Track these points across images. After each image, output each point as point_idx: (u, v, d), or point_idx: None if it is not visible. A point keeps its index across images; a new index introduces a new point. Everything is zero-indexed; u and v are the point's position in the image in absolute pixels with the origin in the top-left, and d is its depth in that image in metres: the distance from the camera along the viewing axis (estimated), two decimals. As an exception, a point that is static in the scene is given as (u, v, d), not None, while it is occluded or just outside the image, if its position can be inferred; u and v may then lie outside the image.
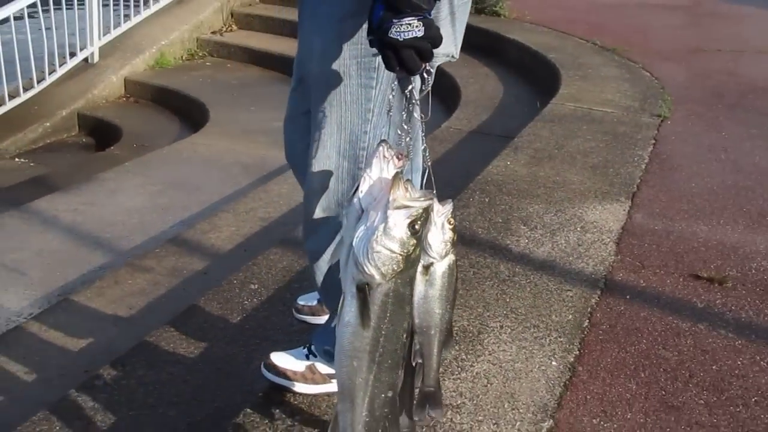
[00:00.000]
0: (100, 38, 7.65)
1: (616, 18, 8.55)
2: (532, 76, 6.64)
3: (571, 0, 9.45)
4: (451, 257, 1.59)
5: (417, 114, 1.62)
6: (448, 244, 1.56)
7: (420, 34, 1.46)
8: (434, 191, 1.52)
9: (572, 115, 4.85)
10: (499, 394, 2.05)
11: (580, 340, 2.35)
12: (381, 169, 1.50)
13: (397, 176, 1.46)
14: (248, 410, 2.00)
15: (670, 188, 3.76)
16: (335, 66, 1.72)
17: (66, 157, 6.57)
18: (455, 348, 2.21)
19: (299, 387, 2.00)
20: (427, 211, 1.47)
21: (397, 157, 1.50)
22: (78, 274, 3.87)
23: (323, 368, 1.99)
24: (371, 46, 1.54)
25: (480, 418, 1.96)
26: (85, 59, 7.56)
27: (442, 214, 1.55)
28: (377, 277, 1.44)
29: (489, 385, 2.09)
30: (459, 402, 2.01)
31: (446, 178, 3.32)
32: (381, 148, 1.52)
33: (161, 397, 2.34)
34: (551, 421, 1.97)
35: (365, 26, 1.59)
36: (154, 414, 2.26)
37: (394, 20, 1.45)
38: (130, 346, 2.73)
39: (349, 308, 1.49)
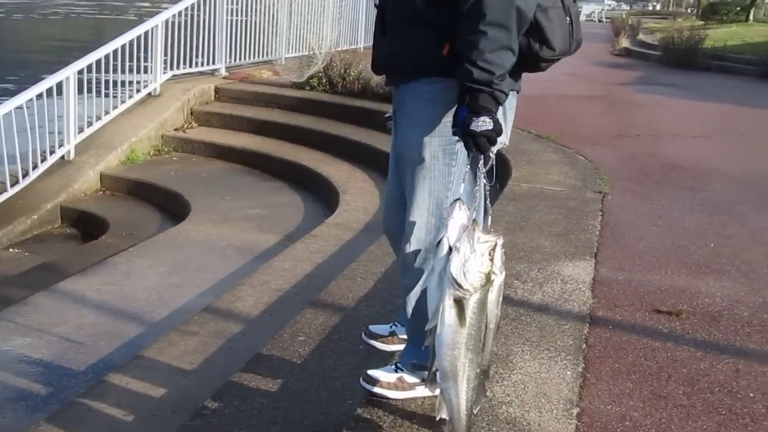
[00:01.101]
0: (75, 137, 8.24)
1: (542, 109, 9.49)
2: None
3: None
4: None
5: (483, 179, 2.35)
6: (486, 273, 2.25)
7: (490, 127, 2.22)
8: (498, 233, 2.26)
9: (529, 194, 5.67)
10: (536, 394, 2.75)
11: (583, 357, 3.08)
12: (460, 218, 2.23)
13: (474, 222, 2.20)
14: (358, 411, 2.64)
15: (623, 248, 4.58)
16: (427, 151, 2.46)
17: (56, 247, 7.07)
18: (494, 365, 2.90)
19: (393, 394, 2.65)
20: (497, 245, 2.22)
21: (467, 210, 2.25)
22: (121, 342, 4.45)
23: (410, 378, 2.66)
24: (455, 135, 2.30)
25: (527, 409, 2.65)
26: (62, 156, 8.13)
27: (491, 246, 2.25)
28: (471, 290, 2.16)
29: (526, 388, 2.79)
30: (508, 399, 2.70)
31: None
32: (459, 203, 2.26)
33: (261, 420, 2.95)
34: (578, 408, 2.68)
35: (448, 123, 2.35)
36: (261, 432, 2.87)
37: (474, 118, 2.21)
38: (201, 392, 3.35)
39: (449, 314, 2.20)
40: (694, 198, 5.91)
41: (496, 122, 2.24)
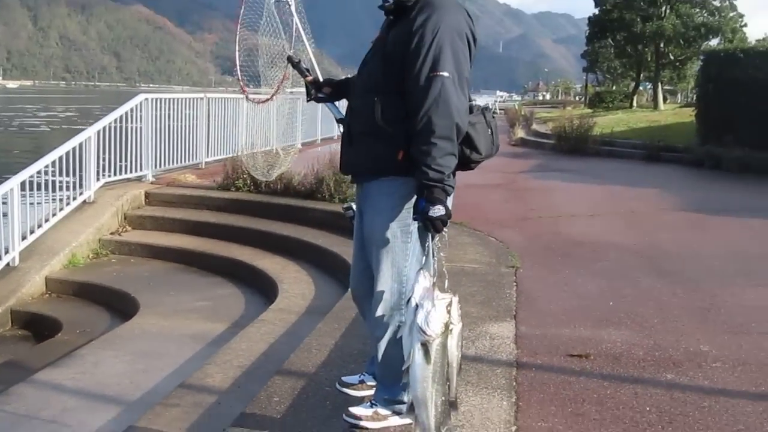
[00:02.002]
0: (20, 244, 8.72)
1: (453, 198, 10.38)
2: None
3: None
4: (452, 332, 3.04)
5: (434, 250, 3.12)
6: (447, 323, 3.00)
7: (443, 213, 3.02)
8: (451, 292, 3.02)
9: (452, 271, 6.40)
10: (482, 419, 3.48)
11: (514, 391, 3.84)
12: (424, 283, 2.99)
13: (434, 285, 2.96)
14: (344, 439, 3.32)
15: (537, 310, 5.41)
16: (389, 232, 3.23)
17: (11, 347, 7.46)
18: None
19: (371, 424, 3.35)
20: (453, 301, 2.98)
21: (430, 276, 3.01)
22: (107, 419, 4.99)
23: (383, 411, 3.36)
24: (415, 220, 3.09)
25: (476, 429, 3.38)
26: (7, 263, 8.58)
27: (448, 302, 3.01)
28: (434, 336, 2.91)
29: (473, 416, 3.52)
30: (461, 424, 3.42)
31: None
32: (422, 272, 3.02)
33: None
34: (515, 426, 3.42)
35: (404, 210, 3.14)
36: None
37: (431, 207, 3.00)
38: None
39: (418, 355, 2.93)
40: (593, 267, 6.83)
41: (447, 209, 3.04)
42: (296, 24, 4.35)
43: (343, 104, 3.81)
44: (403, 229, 3.24)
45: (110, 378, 5.73)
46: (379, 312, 3.29)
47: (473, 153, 3.26)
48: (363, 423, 3.35)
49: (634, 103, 45.78)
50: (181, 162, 12.65)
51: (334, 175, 10.29)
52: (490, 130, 3.32)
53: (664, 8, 43.43)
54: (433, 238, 3.11)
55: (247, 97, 5.00)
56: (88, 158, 10.13)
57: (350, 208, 3.84)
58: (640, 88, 51.61)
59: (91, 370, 5.91)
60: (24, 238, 8.85)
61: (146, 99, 11.50)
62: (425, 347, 2.93)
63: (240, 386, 5.01)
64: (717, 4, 44.21)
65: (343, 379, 3.74)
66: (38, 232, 9.08)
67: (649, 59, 45.85)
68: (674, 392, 3.94)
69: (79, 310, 8.15)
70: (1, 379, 6.01)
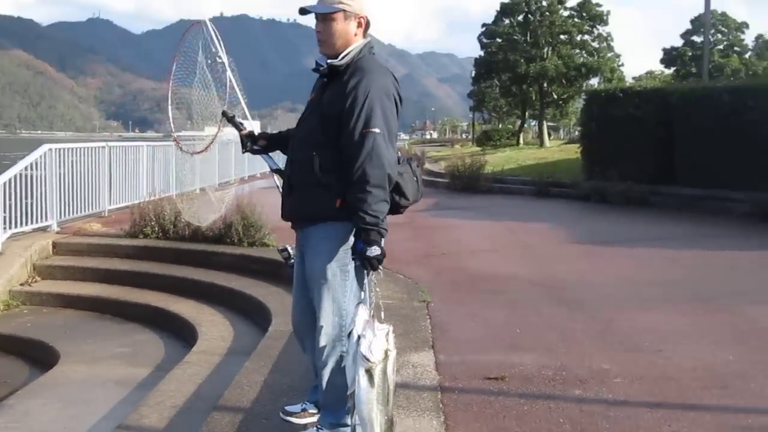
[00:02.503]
0: (-72, 299, 8.68)
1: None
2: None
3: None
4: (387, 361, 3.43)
5: (370, 285, 3.51)
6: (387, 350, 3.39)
7: (379, 252, 3.41)
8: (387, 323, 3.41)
9: (368, 307, 6.85)
10: (416, 437, 3.87)
11: (442, 411, 4.25)
12: (363, 315, 3.37)
13: (372, 317, 3.35)
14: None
15: (452, 340, 5.85)
16: (329, 271, 3.60)
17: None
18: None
19: (317, 446, 3.69)
20: (389, 330, 3.37)
21: (367, 309, 3.40)
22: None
23: (328, 433, 3.71)
24: (354, 260, 3.46)
25: (412, 445, 3.76)
26: None
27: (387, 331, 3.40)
28: (376, 362, 3.29)
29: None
30: (398, 442, 3.79)
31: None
32: (361, 305, 3.40)
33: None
34: (447, 442, 3.82)
35: (341, 251, 3.52)
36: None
37: (368, 248, 3.39)
38: None
39: (363, 380, 3.30)
40: (498, 299, 7.33)
41: (382, 249, 3.43)
42: (230, 81, 4.68)
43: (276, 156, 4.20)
44: (341, 268, 3.62)
45: (43, 425, 5.85)
46: (322, 343, 3.64)
47: (402, 199, 3.67)
48: (309, 446, 3.69)
49: (521, 141, 47.51)
50: (84, 211, 12.67)
51: (242, 220, 10.55)
52: (415, 178, 3.75)
53: (546, 50, 45.48)
54: (368, 275, 3.50)
55: (180, 148, 5.29)
56: (-6, 210, 10.13)
57: (285, 249, 4.19)
58: (525, 125, 53.55)
59: (23, 419, 6.01)
60: (-68, 291, 8.80)
61: (50, 149, 11.54)
62: (369, 373, 3.30)
63: (177, 425, 5.23)
64: (596, 45, 46.61)
65: (286, 408, 4.06)
66: (-54, 285, 9.03)
67: (533, 98, 47.72)
68: (583, 405, 4.42)
69: (-4, 361, 8.15)
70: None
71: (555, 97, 47.87)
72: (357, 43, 3.70)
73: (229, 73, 4.71)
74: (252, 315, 8.19)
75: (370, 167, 3.43)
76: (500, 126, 58.43)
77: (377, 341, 3.30)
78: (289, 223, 3.87)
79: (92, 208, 12.94)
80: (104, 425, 5.69)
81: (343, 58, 3.65)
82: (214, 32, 4.70)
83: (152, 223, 11.22)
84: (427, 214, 14.57)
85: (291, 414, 4.02)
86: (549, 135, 50.97)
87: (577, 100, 47.25)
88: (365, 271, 3.50)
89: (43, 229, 11.48)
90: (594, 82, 43.36)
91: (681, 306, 7.05)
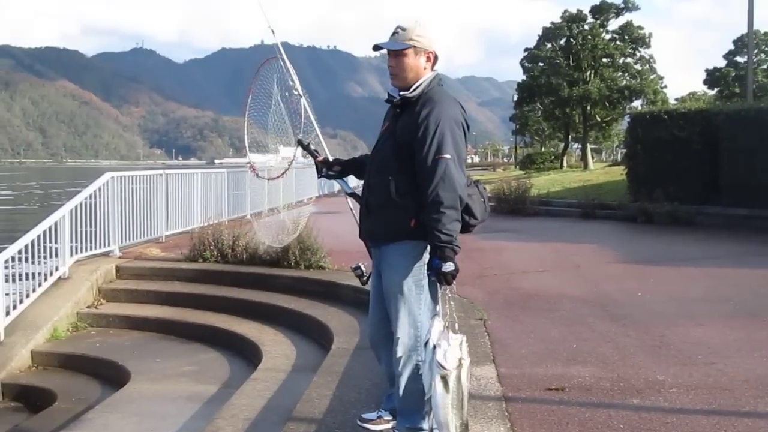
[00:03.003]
0: (4, 320, 9.11)
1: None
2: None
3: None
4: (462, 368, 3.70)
5: (444, 299, 3.79)
6: (461, 358, 3.67)
7: (453, 268, 3.71)
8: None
9: (427, 324, 7.13)
10: (485, 441, 4.13)
11: (508, 419, 4.51)
12: (438, 327, 3.66)
13: (447, 328, 3.64)
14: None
15: (511, 354, 6.11)
16: (405, 286, 3.90)
17: (9, 418, 7.84)
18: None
19: (396, 454, 3.98)
20: (463, 340, 3.65)
21: (442, 321, 3.69)
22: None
23: (406, 439, 3.99)
24: (430, 276, 3.76)
25: (483, 449, 4.02)
26: (-7, 340, 8.97)
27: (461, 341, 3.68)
28: (451, 369, 3.57)
29: (478, 439, 4.17)
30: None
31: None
32: (436, 317, 3.70)
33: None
34: (515, 445, 4.08)
35: (416, 267, 3.82)
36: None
37: (443, 264, 3.69)
38: None
39: (439, 386, 3.59)
40: (552, 316, 7.57)
41: (456, 265, 3.73)
42: (307, 111, 5.02)
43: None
44: (416, 283, 3.93)
45: (122, 439, 6.22)
46: (399, 353, 3.95)
47: (471, 218, 3.98)
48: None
49: (564, 163, 47.57)
50: (143, 236, 13.15)
51: (299, 243, 10.88)
52: (483, 199, 4.06)
53: (588, 73, 45.59)
54: (442, 289, 3.79)
55: (257, 175, 5.62)
56: (63, 236, 10.58)
57: (358, 267, 4.49)
58: (568, 148, 53.62)
59: (104, 431, 6.37)
60: (7, 314, 9.24)
61: (112, 177, 12.03)
62: (444, 379, 3.60)
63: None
64: (638, 68, 46.65)
65: (363, 415, 4.35)
66: (20, 308, 9.46)
67: (576, 121, 47.79)
68: (641, 413, 4.66)
69: (68, 380, 8.55)
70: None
71: (598, 119, 47.94)
72: (427, 75, 4.03)
73: (303, 101, 5.06)
74: (313, 334, 8.50)
75: (444, 190, 3.74)
76: (543, 149, 58.51)
77: (451, 350, 3.60)
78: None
79: (151, 234, 13.43)
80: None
81: (414, 90, 3.99)
82: (290, 64, 5.04)
83: (211, 247, 11.62)
84: (477, 237, 14.67)
85: (367, 421, 4.31)
86: (592, 157, 51.00)
87: (619, 122, 47.31)
88: (439, 286, 3.80)
89: (106, 254, 11.94)
90: (637, 104, 43.44)
91: (731, 321, 7.24)
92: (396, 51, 4.00)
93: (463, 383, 3.67)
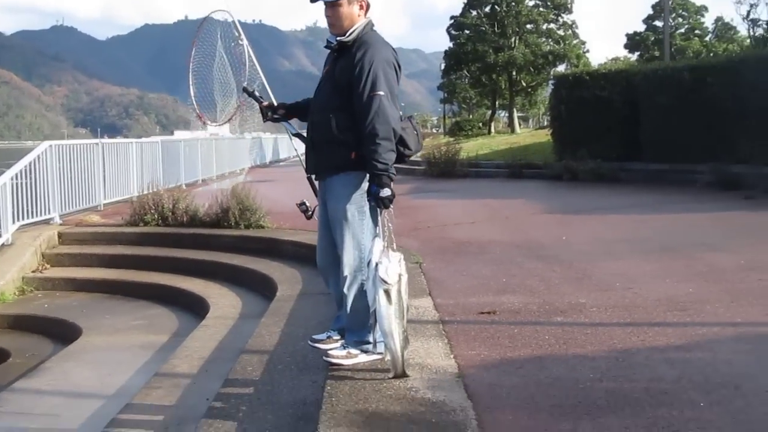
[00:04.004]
0: (-51, 286, 9.29)
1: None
2: (310, 261, 9.28)
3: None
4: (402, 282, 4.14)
5: (381, 220, 4.23)
6: (400, 274, 4.11)
7: (389, 194, 4.15)
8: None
9: (367, 268, 7.57)
10: (427, 353, 4.59)
11: (445, 336, 4.98)
12: (379, 246, 4.09)
13: (386, 247, 4.08)
14: (330, 375, 4.35)
15: (446, 289, 6.60)
16: (349, 213, 4.32)
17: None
18: (395, 345, 4.70)
19: (345, 362, 4.40)
20: (402, 258, 4.10)
21: (382, 242, 4.13)
22: (96, 407, 5.81)
23: (353, 350, 4.41)
24: (369, 201, 4.19)
25: (423, 358, 4.49)
26: (-61, 305, 9.14)
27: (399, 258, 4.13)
28: (393, 284, 4.02)
29: (419, 354, 4.63)
30: (412, 356, 4.52)
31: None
32: (377, 239, 4.13)
33: (258, 403, 4.55)
34: (452, 357, 4.55)
35: (358, 195, 4.24)
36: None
37: (381, 190, 4.12)
38: (200, 403, 4.89)
39: (382, 299, 4.03)
40: (483, 258, 8.09)
41: (392, 191, 4.16)
42: (252, 59, 5.38)
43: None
44: (359, 210, 4.36)
45: (83, 381, 6.54)
46: (345, 273, 4.37)
47: (405, 149, 4.41)
48: (338, 361, 4.40)
49: (492, 130, 48.41)
50: (82, 205, 13.33)
51: (238, 204, 11.22)
52: (416, 132, 4.50)
53: (513, 39, 46.43)
54: (381, 213, 4.22)
55: (203, 122, 5.96)
56: (5, 203, 10.73)
57: (303, 203, 4.88)
58: (496, 115, 54.48)
59: (62, 378, 6.68)
60: (-47, 279, 9.41)
61: (50, 146, 12.17)
62: (387, 293, 4.04)
63: (208, 370, 5.93)
64: (561, 33, 47.67)
65: (314, 336, 4.77)
66: (-35, 273, 9.64)
67: (503, 87, 48.64)
68: (564, 327, 5.19)
69: (20, 339, 8.76)
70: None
71: (524, 84, 48.93)
72: (360, 22, 4.46)
73: (248, 50, 5.42)
74: (257, 287, 8.87)
75: (379, 123, 4.18)
76: (471, 117, 59.32)
77: (392, 266, 4.04)
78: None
79: (90, 203, 13.61)
80: (138, 378, 6.36)
81: (350, 35, 4.41)
82: (234, 20, 5.40)
83: (152, 211, 11.87)
84: (409, 197, 15.29)
85: (318, 341, 4.73)
86: (519, 125, 51.97)
87: (545, 88, 48.34)
88: (378, 210, 4.23)
89: (47, 222, 12.09)
90: (561, 69, 44.41)
91: (648, 256, 7.87)
92: (332, 2, 4.41)
93: (403, 296, 4.12)
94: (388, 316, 4.06)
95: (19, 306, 9.64)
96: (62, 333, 8.61)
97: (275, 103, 5.02)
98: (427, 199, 14.83)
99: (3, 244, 10.71)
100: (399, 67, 4.47)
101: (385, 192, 4.15)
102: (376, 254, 4.10)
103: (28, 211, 11.53)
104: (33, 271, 10.65)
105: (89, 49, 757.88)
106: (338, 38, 4.45)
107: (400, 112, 4.45)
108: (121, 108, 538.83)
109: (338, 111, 4.35)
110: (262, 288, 8.74)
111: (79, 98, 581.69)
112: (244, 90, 5.23)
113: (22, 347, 8.41)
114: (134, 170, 15.74)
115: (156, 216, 11.87)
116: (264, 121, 5.09)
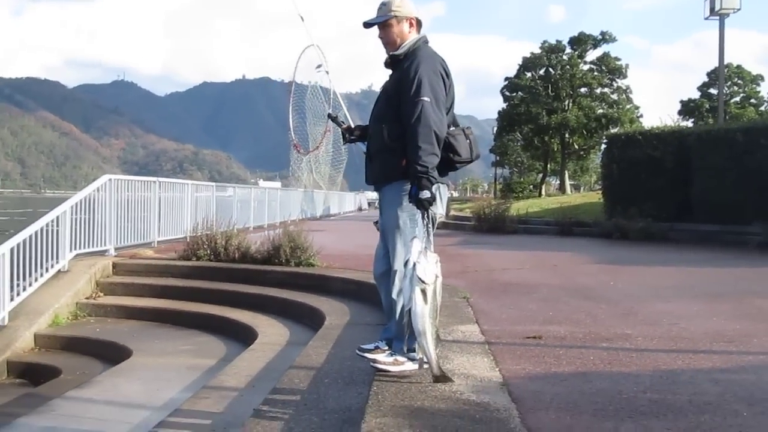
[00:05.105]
0: (8, 305, 9.54)
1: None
2: (358, 296, 9.39)
3: (350, 248, 12.58)
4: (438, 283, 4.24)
5: (428, 225, 4.34)
6: (436, 274, 4.21)
7: (429, 196, 4.27)
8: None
9: (415, 300, 7.66)
10: (472, 367, 4.66)
11: (492, 355, 5.03)
12: (418, 247, 4.20)
13: (425, 248, 4.18)
14: (375, 381, 4.43)
15: (492, 319, 6.65)
16: (401, 221, 4.46)
17: (13, 391, 8.26)
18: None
19: (392, 368, 4.49)
20: (438, 260, 4.20)
21: (421, 243, 4.24)
22: (143, 417, 5.94)
23: (400, 358, 4.50)
24: (410, 203, 4.32)
25: (468, 371, 4.55)
26: (-3, 323, 9.40)
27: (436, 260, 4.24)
28: (429, 283, 4.12)
29: (465, 365, 4.69)
30: (457, 369, 4.58)
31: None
32: (416, 239, 4.25)
33: (305, 403, 4.64)
34: (497, 371, 4.61)
35: (409, 204, 4.37)
36: None
37: (420, 192, 4.25)
38: (247, 411, 5.00)
39: (419, 298, 4.13)
40: (530, 297, 8.14)
41: (432, 193, 4.29)
42: (332, 89, 5.68)
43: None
44: (410, 217, 4.50)
45: (132, 394, 6.69)
46: (396, 281, 4.48)
47: (455, 156, 4.54)
48: (386, 367, 4.49)
49: (543, 192, 48.41)
50: (137, 240, 13.65)
51: (290, 242, 11.42)
52: (469, 141, 4.62)
53: (567, 102, 46.66)
54: (422, 216, 4.34)
55: (298, 151, 6.24)
56: (63, 231, 11.05)
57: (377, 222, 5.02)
58: (547, 179, 54.52)
59: (112, 390, 6.84)
60: (11, 299, 9.67)
61: (110, 179, 12.53)
62: (423, 292, 4.15)
63: (254, 386, 6.04)
64: (615, 97, 47.76)
65: (362, 346, 4.87)
66: (23, 295, 9.90)
67: (555, 150, 48.72)
68: (610, 351, 5.23)
69: (72, 359, 8.96)
70: (26, 404, 6.87)
71: (576, 147, 48.95)
72: (411, 38, 4.70)
73: (332, 84, 5.72)
74: (305, 319, 8.98)
75: (419, 127, 4.35)
76: (522, 179, 59.41)
77: (429, 267, 4.16)
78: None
79: (144, 238, 13.93)
80: (186, 394, 6.46)
81: (401, 50, 4.64)
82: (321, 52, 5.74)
83: (204, 246, 12.11)
84: (458, 247, 15.42)
85: (365, 351, 4.82)
86: (570, 191, 51.90)
87: (597, 153, 48.33)
88: (420, 212, 4.35)
89: (102, 253, 12.39)
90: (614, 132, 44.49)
91: (695, 299, 7.88)
92: (382, 23, 4.67)
93: (438, 297, 4.23)
94: (423, 315, 4.16)
95: (71, 329, 9.87)
96: (112, 355, 8.79)
97: (353, 126, 5.22)
98: (475, 249, 14.90)
99: (59, 270, 11.00)
100: (448, 76, 4.65)
101: (425, 194, 4.27)
102: (415, 254, 4.21)
103: (85, 241, 11.84)
104: (87, 298, 10.90)
105: (148, 104, 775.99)
106: (391, 53, 4.66)
107: (453, 119, 4.63)
108: (176, 162, 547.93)
109: (390, 121, 4.54)
110: (309, 320, 8.85)
111: (136, 151, 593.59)
112: (329, 116, 5.48)
113: (73, 366, 8.60)
114: (188, 210, 16.08)
115: (208, 251, 12.10)
116: (343, 143, 5.34)
